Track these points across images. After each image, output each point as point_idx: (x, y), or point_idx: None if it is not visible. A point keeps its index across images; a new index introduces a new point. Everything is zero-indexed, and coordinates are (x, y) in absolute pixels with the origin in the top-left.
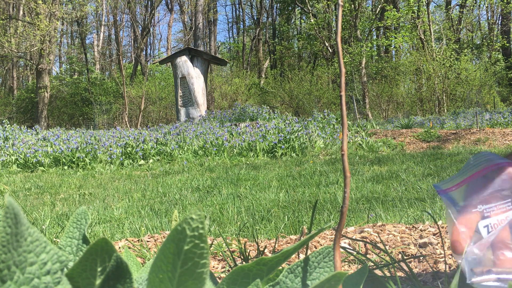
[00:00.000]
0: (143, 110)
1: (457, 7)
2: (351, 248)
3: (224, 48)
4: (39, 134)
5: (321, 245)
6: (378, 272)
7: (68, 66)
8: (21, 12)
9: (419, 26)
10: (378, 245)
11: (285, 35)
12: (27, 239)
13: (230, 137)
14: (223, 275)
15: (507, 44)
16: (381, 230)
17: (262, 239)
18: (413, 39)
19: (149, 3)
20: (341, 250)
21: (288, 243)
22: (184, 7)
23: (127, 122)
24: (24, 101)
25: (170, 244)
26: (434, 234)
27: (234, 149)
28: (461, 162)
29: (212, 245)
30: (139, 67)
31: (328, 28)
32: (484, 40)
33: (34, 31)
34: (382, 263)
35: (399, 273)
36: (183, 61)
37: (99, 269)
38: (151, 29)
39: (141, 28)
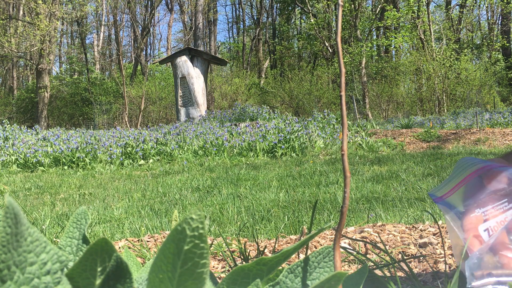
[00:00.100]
0: (143, 110)
1: (457, 7)
2: (351, 248)
3: (224, 48)
4: (39, 134)
5: (321, 245)
6: (378, 272)
7: (68, 66)
8: (21, 12)
9: (419, 26)
10: (378, 245)
11: (285, 35)
12: (27, 239)
13: (230, 137)
14: (223, 275)
15: (507, 44)
16: (381, 230)
17: (262, 239)
18: (413, 39)
19: (149, 3)
20: (341, 250)
21: (288, 243)
22: (184, 7)
23: (127, 122)
24: (24, 101)
25: (170, 244)
26: (434, 234)
27: (234, 149)
28: None
29: (212, 245)
30: (139, 67)
31: (328, 28)
32: (484, 40)
33: (34, 31)
34: (382, 263)
35: (399, 273)
36: (183, 61)
37: (99, 269)
38: (151, 29)
39: (141, 28)
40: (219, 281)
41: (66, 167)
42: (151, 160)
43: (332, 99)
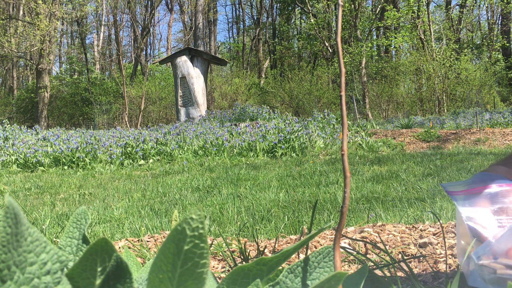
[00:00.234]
0: (143, 110)
1: (457, 7)
2: (351, 248)
3: (224, 48)
4: (39, 134)
5: (321, 245)
6: (378, 272)
7: (68, 66)
8: (21, 12)
9: (419, 26)
10: (378, 245)
11: (285, 35)
12: (27, 239)
13: (230, 137)
14: (223, 275)
15: (507, 44)
16: (381, 230)
17: (262, 239)
18: (413, 39)
19: (149, 3)
20: (341, 250)
21: (288, 243)
22: (184, 7)
23: (127, 122)
24: (24, 101)
25: (170, 244)
26: (434, 234)
27: (234, 149)
28: (461, 162)
29: (212, 245)
30: (139, 67)
31: (328, 28)
32: (484, 40)
33: (34, 31)
34: (382, 263)
35: (399, 273)
36: (183, 61)
37: (99, 269)
38: (151, 29)
39: (141, 28)
40: (219, 281)
41: (66, 167)
42: (151, 160)
43: (332, 99)
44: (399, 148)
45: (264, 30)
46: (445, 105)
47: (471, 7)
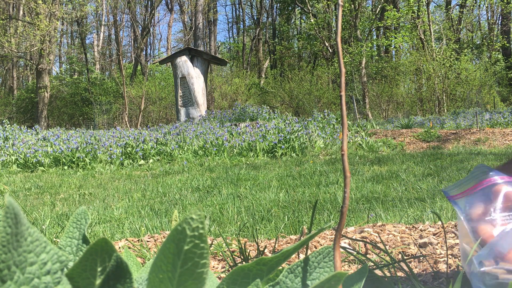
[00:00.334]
0: (143, 110)
1: (457, 7)
2: (351, 248)
3: (224, 48)
4: (39, 134)
5: (321, 245)
6: (378, 272)
7: (68, 66)
8: (21, 12)
9: (419, 26)
10: (378, 245)
11: (285, 35)
12: (27, 239)
13: (230, 137)
14: (223, 275)
15: (507, 44)
16: (381, 230)
17: (262, 239)
18: (413, 39)
19: (149, 3)
20: (341, 250)
21: (288, 243)
22: (184, 7)
23: (127, 122)
24: (24, 101)
25: (170, 244)
26: (434, 234)
27: (234, 149)
28: (461, 162)
29: (212, 245)
30: (139, 67)
31: (328, 28)
32: (484, 40)
33: (34, 31)
34: (382, 263)
35: (399, 273)
36: (183, 61)
37: (99, 269)
38: (151, 29)
39: (141, 28)
40: (219, 281)
41: (66, 167)
42: (151, 160)
43: (332, 99)
44: (399, 148)
45: (264, 30)
46: (445, 105)
47: (471, 7)
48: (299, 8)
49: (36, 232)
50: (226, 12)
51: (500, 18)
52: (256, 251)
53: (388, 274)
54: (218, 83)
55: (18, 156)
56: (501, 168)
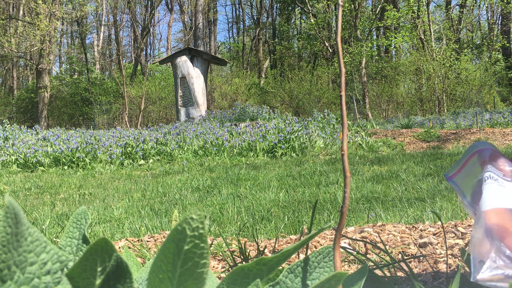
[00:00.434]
0: (143, 110)
1: (457, 7)
2: (351, 248)
3: (224, 48)
4: (39, 134)
5: (321, 245)
6: (378, 272)
7: (68, 66)
8: (21, 12)
9: (419, 26)
10: (378, 245)
11: (285, 35)
12: (27, 239)
13: (230, 137)
14: (223, 275)
15: (507, 44)
16: (381, 230)
17: (262, 239)
18: (413, 39)
19: (149, 3)
20: (341, 250)
21: (288, 243)
22: (184, 7)
23: (127, 122)
24: (24, 101)
25: (170, 244)
26: (434, 234)
27: (234, 149)
28: None
29: (212, 245)
30: (139, 67)
31: (328, 28)
32: (484, 40)
33: (34, 31)
34: (382, 263)
35: (399, 273)
36: (183, 61)
37: (99, 269)
38: (151, 29)
39: (141, 28)
40: (219, 281)
41: (66, 167)
42: (151, 160)
43: (332, 99)
44: (399, 148)
45: (264, 30)
46: (445, 105)
47: (471, 7)
48: (299, 8)
49: (36, 232)
50: (226, 12)
51: (500, 18)
52: (256, 251)
53: (388, 274)
54: (218, 83)
55: (18, 156)
56: None
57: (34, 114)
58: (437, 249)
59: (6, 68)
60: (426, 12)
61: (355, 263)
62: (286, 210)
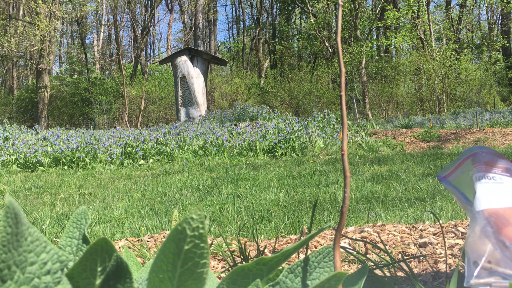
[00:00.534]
0: (143, 110)
1: (457, 7)
2: (351, 248)
3: (224, 48)
4: (39, 134)
5: (321, 245)
6: (378, 272)
7: (68, 66)
8: (21, 12)
9: (419, 26)
10: (378, 245)
11: (285, 35)
12: (28, 239)
13: (230, 137)
14: (223, 275)
15: (507, 44)
16: (381, 230)
17: (262, 239)
18: (413, 39)
19: (149, 3)
20: (341, 250)
21: (288, 243)
22: (184, 7)
23: (127, 122)
24: (24, 101)
25: (170, 244)
26: (434, 234)
27: (234, 149)
28: None
29: (212, 245)
30: (139, 67)
31: (328, 28)
32: (484, 40)
33: (34, 31)
34: (382, 263)
35: (399, 273)
36: (183, 61)
37: (99, 269)
38: (151, 29)
39: (141, 28)
40: (219, 281)
41: (66, 167)
42: (151, 160)
43: (332, 99)
44: (399, 148)
45: (264, 30)
46: (445, 105)
47: (471, 7)
48: (299, 8)
49: (36, 232)
50: (226, 12)
51: (500, 18)
52: (256, 251)
53: (388, 274)
54: (218, 83)
55: (18, 156)
56: None
57: (34, 114)
58: (437, 249)
59: (6, 68)
60: (426, 12)
61: (355, 263)
62: (286, 210)
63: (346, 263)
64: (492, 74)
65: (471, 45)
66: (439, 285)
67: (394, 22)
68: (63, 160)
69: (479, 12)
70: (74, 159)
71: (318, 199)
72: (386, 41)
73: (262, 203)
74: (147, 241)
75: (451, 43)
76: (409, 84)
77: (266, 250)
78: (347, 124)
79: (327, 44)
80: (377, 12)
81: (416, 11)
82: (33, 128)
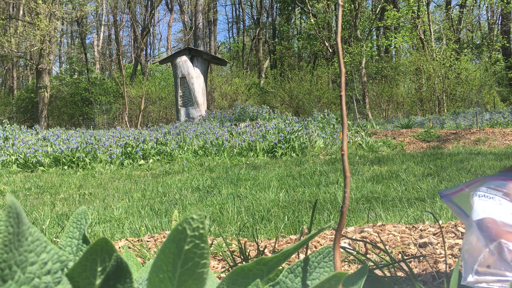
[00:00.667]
0: (143, 110)
1: (457, 7)
2: (351, 248)
3: (224, 48)
4: (39, 134)
5: (321, 245)
6: (378, 272)
7: (68, 66)
8: (21, 12)
9: (419, 26)
10: (378, 245)
11: (285, 35)
12: (28, 239)
13: (230, 137)
14: (223, 275)
15: (507, 44)
16: (381, 230)
17: (262, 239)
18: (413, 39)
19: (149, 3)
20: (341, 250)
21: (288, 243)
22: (184, 7)
23: (127, 122)
24: (24, 101)
25: (171, 244)
26: (434, 234)
27: (234, 149)
28: (461, 162)
29: (212, 245)
30: (139, 67)
31: (328, 28)
32: (484, 40)
33: (34, 31)
34: (382, 263)
35: (399, 273)
36: (183, 61)
37: (99, 269)
38: (151, 29)
39: (141, 28)
40: (219, 281)
41: (66, 167)
42: (151, 160)
43: (332, 99)
44: (399, 148)
45: (264, 30)
46: (445, 105)
47: (471, 7)
48: (299, 8)
49: (37, 232)
50: (226, 12)
51: (500, 18)
52: (256, 251)
53: (388, 274)
54: (218, 83)
55: (18, 156)
56: (508, 170)
57: (34, 114)
58: (437, 249)
59: (6, 68)
60: (426, 12)
61: (355, 263)
62: (286, 210)
63: (346, 263)
64: (492, 74)
65: (471, 45)
66: (439, 285)
67: (394, 22)
68: (63, 160)
69: (479, 12)
70: (74, 159)
71: (318, 199)
72: (386, 41)
73: (262, 203)
74: (147, 241)
75: (451, 43)
76: (409, 84)
77: (266, 250)
78: (347, 124)
79: (327, 44)
80: (377, 12)
81: (416, 11)
82: (33, 128)
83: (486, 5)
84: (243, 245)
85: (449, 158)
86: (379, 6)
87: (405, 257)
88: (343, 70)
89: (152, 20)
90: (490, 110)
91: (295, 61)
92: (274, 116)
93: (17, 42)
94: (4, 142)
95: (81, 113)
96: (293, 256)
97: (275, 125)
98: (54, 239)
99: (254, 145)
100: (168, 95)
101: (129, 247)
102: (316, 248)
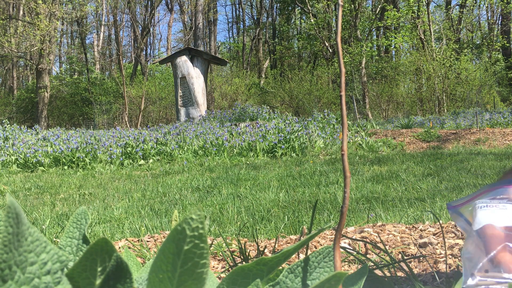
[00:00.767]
0: (143, 110)
1: (457, 7)
2: (351, 248)
3: (224, 48)
4: (39, 134)
5: (321, 245)
6: (378, 272)
7: (68, 66)
8: (21, 12)
9: (419, 26)
10: (378, 245)
11: (285, 35)
12: (28, 239)
13: (230, 137)
14: (223, 275)
15: (507, 44)
16: (381, 230)
17: (262, 239)
18: (413, 39)
19: (149, 3)
20: (341, 250)
21: (288, 243)
22: (184, 7)
23: (127, 122)
24: (24, 101)
25: (170, 244)
26: (434, 234)
27: (234, 149)
28: (461, 162)
29: (212, 245)
30: (139, 67)
31: (328, 28)
32: (484, 40)
33: (34, 31)
34: (382, 263)
35: (399, 273)
36: (183, 61)
37: (99, 269)
38: (151, 29)
39: (141, 28)
40: (219, 281)
41: (66, 167)
42: (151, 160)
43: (332, 99)
44: (399, 148)
45: (264, 30)
46: (445, 105)
47: (471, 7)
48: (299, 8)
49: (37, 232)
50: (226, 12)
51: (500, 18)
52: (256, 251)
53: (388, 274)
54: (218, 83)
55: (18, 156)
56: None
57: (34, 114)
58: (437, 249)
59: (6, 68)
60: (426, 12)
61: (355, 263)
62: (286, 210)
63: (346, 263)
64: (492, 74)
65: (471, 45)
66: (439, 285)
67: (394, 22)
68: (63, 160)
69: (479, 12)
70: (74, 159)
71: (318, 199)
72: (386, 41)
73: (262, 203)
74: (147, 241)
75: (451, 43)
76: (409, 84)
77: (266, 250)
78: (347, 124)
79: (327, 44)
80: (377, 12)
81: (416, 11)
82: (33, 128)
83: (486, 5)
84: (243, 245)
85: (449, 158)
86: (379, 6)
87: (405, 257)
88: (343, 70)
89: (152, 20)
90: (490, 110)
91: (295, 61)
92: (274, 116)
93: (17, 42)
94: (4, 142)
95: (81, 113)
96: (293, 256)
97: (275, 125)
98: (54, 239)
99: (254, 145)
100: (168, 95)
101: (129, 247)
102: (316, 248)
